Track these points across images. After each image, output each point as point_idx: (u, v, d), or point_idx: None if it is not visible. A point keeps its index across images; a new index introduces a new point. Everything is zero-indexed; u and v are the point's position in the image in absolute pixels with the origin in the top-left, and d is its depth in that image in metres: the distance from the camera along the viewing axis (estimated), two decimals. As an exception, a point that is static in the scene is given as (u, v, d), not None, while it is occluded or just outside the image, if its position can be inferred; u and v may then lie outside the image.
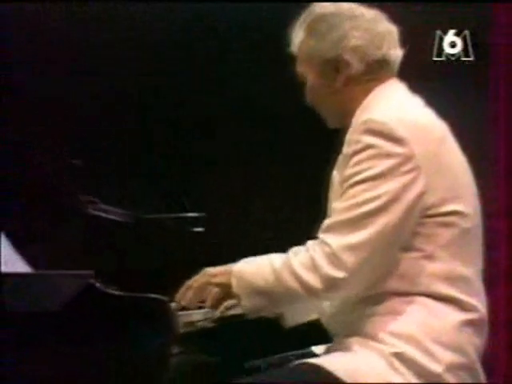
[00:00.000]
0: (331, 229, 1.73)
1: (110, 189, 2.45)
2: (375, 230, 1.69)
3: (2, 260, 1.68)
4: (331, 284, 1.69)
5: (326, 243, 1.71)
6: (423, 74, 3.73)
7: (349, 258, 1.68)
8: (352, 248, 1.69)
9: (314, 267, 1.70)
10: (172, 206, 2.28)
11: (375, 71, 1.87)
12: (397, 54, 1.90)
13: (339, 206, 1.75)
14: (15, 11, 3.26)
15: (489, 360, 1.75)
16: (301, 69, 1.93)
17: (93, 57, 3.31)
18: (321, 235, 1.74)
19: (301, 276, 1.71)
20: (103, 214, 2.07)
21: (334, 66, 1.86)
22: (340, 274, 1.68)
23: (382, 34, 1.88)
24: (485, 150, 3.52)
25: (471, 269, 1.79)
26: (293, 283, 1.72)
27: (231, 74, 3.38)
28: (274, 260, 1.78)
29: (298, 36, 1.91)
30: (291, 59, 1.94)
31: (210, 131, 3.33)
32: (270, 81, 3.18)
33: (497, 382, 3.22)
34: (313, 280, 1.70)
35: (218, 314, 1.84)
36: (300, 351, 1.92)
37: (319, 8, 1.91)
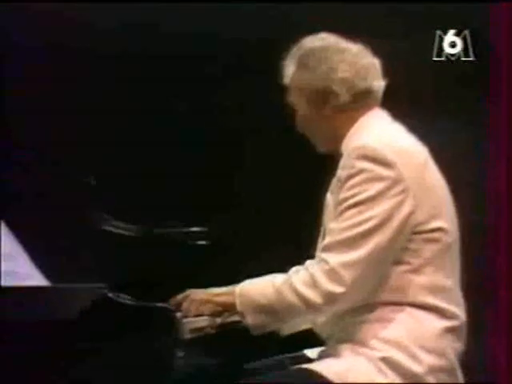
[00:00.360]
0: (329, 248, 1.89)
1: (120, 204, 2.51)
2: (369, 249, 1.87)
3: (22, 274, 1.81)
4: (331, 299, 1.86)
5: (325, 261, 1.87)
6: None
7: (347, 275, 1.85)
8: (349, 265, 1.85)
9: (314, 284, 1.86)
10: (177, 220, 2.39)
11: (361, 101, 2.03)
12: (380, 84, 2.07)
13: (336, 226, 1.91)
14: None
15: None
16: (292, 99, 2.10)
17: (103, 69, 3.34)
18: (320, 254, 1.91)
19: (302, 292, 1.86)
20: (114, 230, 2.22)
21: (323, 96, 2.03)
22: (339, 289, 1.84)
23: (367, 66, 2.05)
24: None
25: (452, 280, 1.97)
26: (294, 299, 1.87)
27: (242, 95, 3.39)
28: (276, 279, 1.93)
29: (289, 69, 2.08)
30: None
31: (215, 148, 3.41)
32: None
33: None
34: (313, 296, 1.86)
35: (219, 320, 1.96)
36: (294, 354, 2.06)
37: (308, 43, 2.08)
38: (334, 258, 1.86)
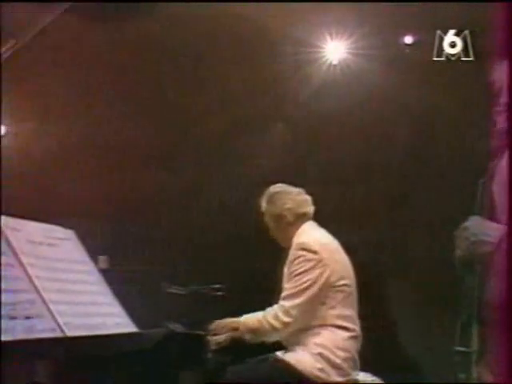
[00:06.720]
0: (285, 298, 3.57)
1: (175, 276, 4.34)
2: (305, 298, 3.51)
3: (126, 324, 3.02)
4: (285, 325, 3.53)
5: (282, 305, 3.55)
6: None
7: (293, 312, 3.51)
8: (295, 307, 3.51)
9: (277, 317, 3.53)
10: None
11: (300, 219, 3.77)
12: (310, 209, 3.81)
13: (288, 286, 3.57)
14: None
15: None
16: (266, 219, 3.86)
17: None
18: (280, 301, 3.58)
19: (271, 322, 3.53)
20: (174, 291, 4.04)
21: (280, 217, 3.79)
22: (290, 320, 3.52)
23: (302, 200, 3.81)
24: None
25: (352, 311, 3.61)
26: (267, 326, 3.55)
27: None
28: (259, 315, 3.61)
29: (264, 204, 3.86)
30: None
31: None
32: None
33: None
34: (276, 324, 3.53)
35: (229, 336, 3.65)
36: (271, 354, 3.70)
37: (272, 189, 3.84)
38: (287, 303, 3.53)
